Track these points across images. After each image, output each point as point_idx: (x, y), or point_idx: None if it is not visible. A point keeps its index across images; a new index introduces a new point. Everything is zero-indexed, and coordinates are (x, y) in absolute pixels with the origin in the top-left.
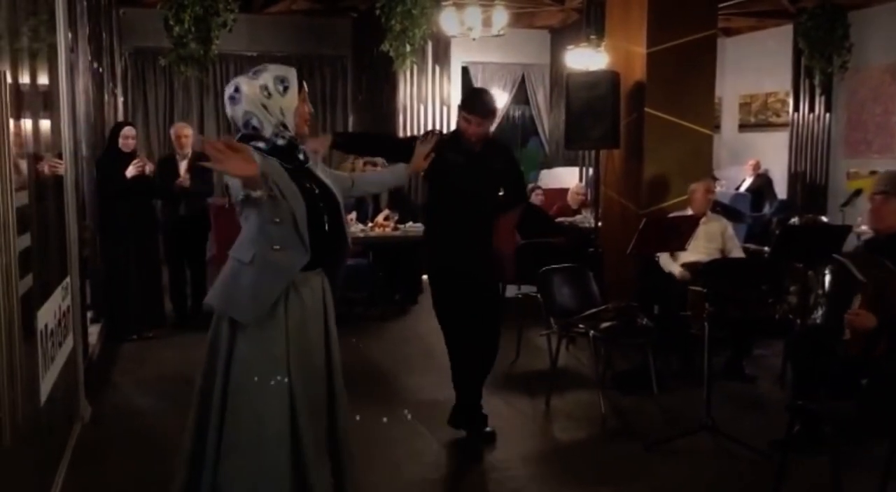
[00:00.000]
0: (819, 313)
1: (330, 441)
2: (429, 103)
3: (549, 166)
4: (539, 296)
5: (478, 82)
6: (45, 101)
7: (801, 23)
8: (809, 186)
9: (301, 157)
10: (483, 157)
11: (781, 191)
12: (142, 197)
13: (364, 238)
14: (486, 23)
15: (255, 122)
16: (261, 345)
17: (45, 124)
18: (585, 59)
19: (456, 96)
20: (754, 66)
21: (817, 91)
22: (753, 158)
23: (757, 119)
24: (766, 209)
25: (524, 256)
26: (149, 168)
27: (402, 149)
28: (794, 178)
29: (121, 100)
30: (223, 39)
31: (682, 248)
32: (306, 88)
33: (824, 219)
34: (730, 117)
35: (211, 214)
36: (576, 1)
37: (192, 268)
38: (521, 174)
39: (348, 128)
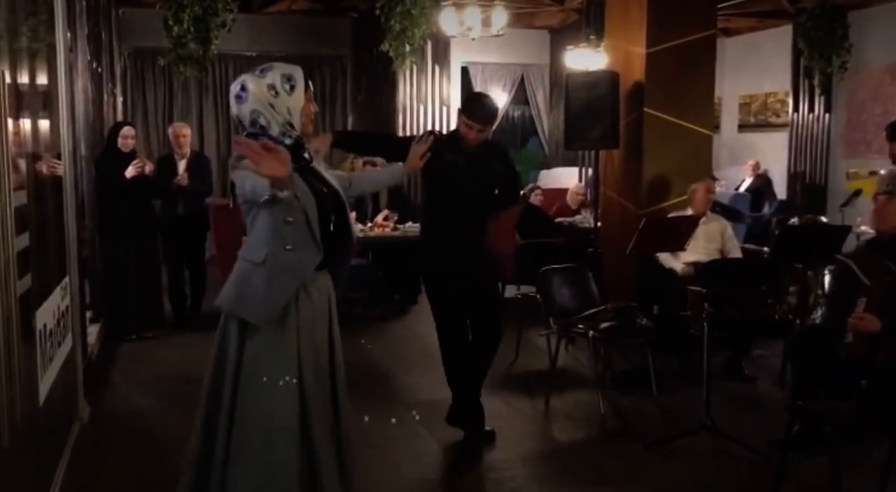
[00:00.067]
0: (818, 314)
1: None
2: (428, 103)
3: (549, 166)
4: (538, 296)
5: (477, 82)
6: (44, 101)
7: (800, 23)
8: (809, 187)
9: (306, 156)
10: (482, 158)
11: (781, 191)
12: (141, 197)
13: (363, 238)
14: (486, 23)
15: (262, 121)
16: (271, 345)
17: (44, 124)
18: (585, 59)
19: (455, 96)
20: (754, 67)
21: (817, 91)
22: (753, 159)
23: (756, 119)
24: (766, 209)
25: (524, 257)
26: (148, 168)
27: (401, 149)
28: (793, 178)
29: (120, 100)
30: (222, 39)
31: (682, 248)
32: (312, 88)
33: (824, 219)
34: (729, 117)
35: (210, 214)
36: (575, 1)
37: (191, 268)
38: (517, 175)
39: (348, 128)
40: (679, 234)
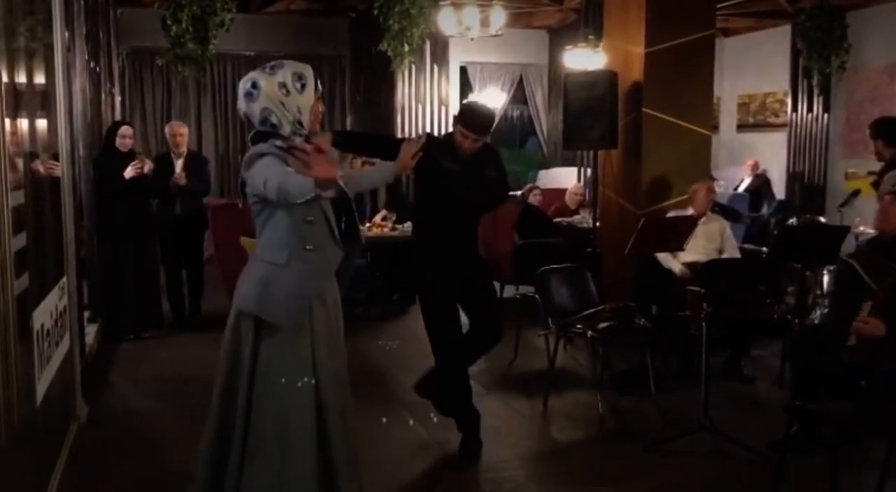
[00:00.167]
0: (817, 314)
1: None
2: (427, 103)
3: (548, 166)
4: (537, 296)
5: (476, 82)
6: (41, 101)
7: (799, 23)
8: (807, 187)
9: None
10: (477, 164)
11: (780, 191)
12: (139, 197)
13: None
14: (484, 23)
15: (273, 119)
16: (287, 347)
17: (42, 124)
18: (583, 59)
19: (454, 96)
20: (752, 67)
21: (815, 91)
22: (752, 159)
23: (755, 119)
24: (765, 210)
25: (522, 257)
26: (147, 167)
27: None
28: (792, 178)
29: (118, 99)
30: (221, 39)
31: (681, 248)
32: (321, 87)
33: (822, 219)
34: (728, 117)
35: (208, 214)
36: (574, 1)
37: (189, 268)
38: (506, 176)
39: (346, 128)
40: (678, 234)
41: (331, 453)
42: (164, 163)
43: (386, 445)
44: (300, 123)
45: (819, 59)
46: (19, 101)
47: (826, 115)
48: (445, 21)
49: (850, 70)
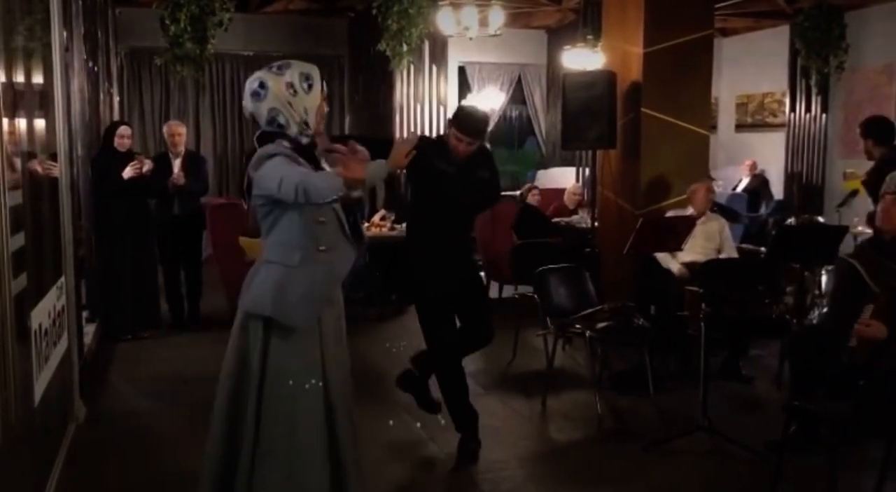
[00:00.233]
0: (816, 314)
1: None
2: (425, 103)
3: (546, 166)
4: (536, 296)
5: (474, 82)
6: (40, 101)
7: (797, 23)
8: (806, 187)
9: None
10: (472, 166)
11: (778, 191)
12: (137, 196)
13: None
14: (483, 22)
15: (280, 119)
16: (297, 348)
17: (40, 123)
18: (582, 59)
19: (453, 96)
20: (751, 67)
21: (814, 91)
22: (750, 159)
23: (753, 119)
24: (763, 210)
25: (521, 257)
26: (146, 167)
27: None
28: (790, 178)
29: (116, 99)
30: (219, 39)
31: (679, 248)
32: (326, 89)
33: (821, 219)
34: (726, 117)
35: (207, 214)
36: (573, 1)
37: (187, 268)
38: (499, 177)
39: (345, 128)
40: (676, 234)
41: (340, 454)
42: (162, 163)
43: (385, 444)
44: (306, 124)
45: (817, 59)
46: (17, 100)
47: (824, 115)
48: (444, 21)
49: (849, 70)
